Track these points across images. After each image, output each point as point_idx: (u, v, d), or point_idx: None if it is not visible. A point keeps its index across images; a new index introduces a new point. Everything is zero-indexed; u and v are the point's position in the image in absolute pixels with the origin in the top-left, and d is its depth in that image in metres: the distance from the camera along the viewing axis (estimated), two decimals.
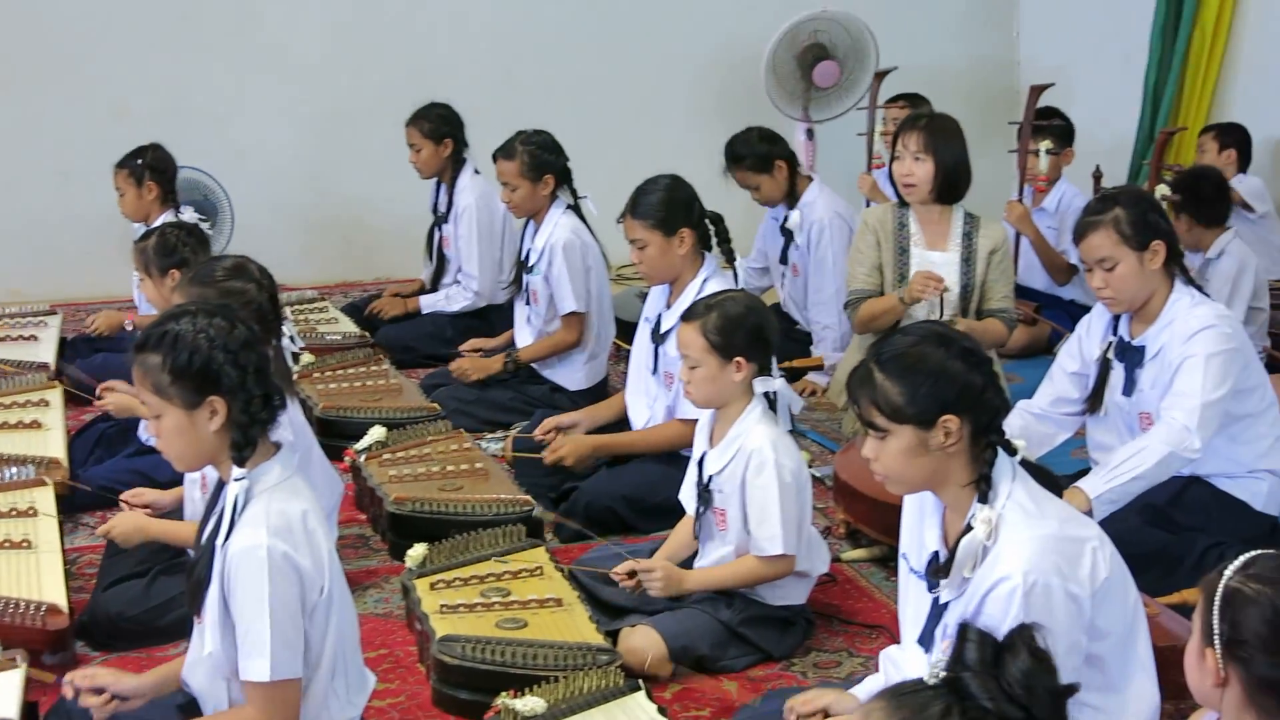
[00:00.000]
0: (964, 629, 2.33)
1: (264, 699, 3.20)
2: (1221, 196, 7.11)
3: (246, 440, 3.22)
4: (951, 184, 5.86)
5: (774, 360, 4.46)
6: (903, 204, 6.01)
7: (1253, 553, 2.62)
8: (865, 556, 5.15)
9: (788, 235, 7.29)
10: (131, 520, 4.52)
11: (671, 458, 5.34)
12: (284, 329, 4.56)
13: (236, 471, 3.23)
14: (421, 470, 5.47)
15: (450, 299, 7.77)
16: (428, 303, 7.86)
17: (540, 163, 6.50)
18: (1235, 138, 8.43)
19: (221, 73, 9.36)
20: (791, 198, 7.24)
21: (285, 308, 7.58)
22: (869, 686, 3.58)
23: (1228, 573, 2.58)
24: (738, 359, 4.33)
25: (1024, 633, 2.33)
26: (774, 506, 4.27)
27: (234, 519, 3.21)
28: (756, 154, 7.19)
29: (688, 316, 4.45)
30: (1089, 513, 4.30)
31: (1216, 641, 2.56)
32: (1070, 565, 3.15)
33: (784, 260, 7.41)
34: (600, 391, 6.51)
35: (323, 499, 4.21)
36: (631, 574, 4.39)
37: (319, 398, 6.35)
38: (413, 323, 7.80)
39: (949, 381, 3.18)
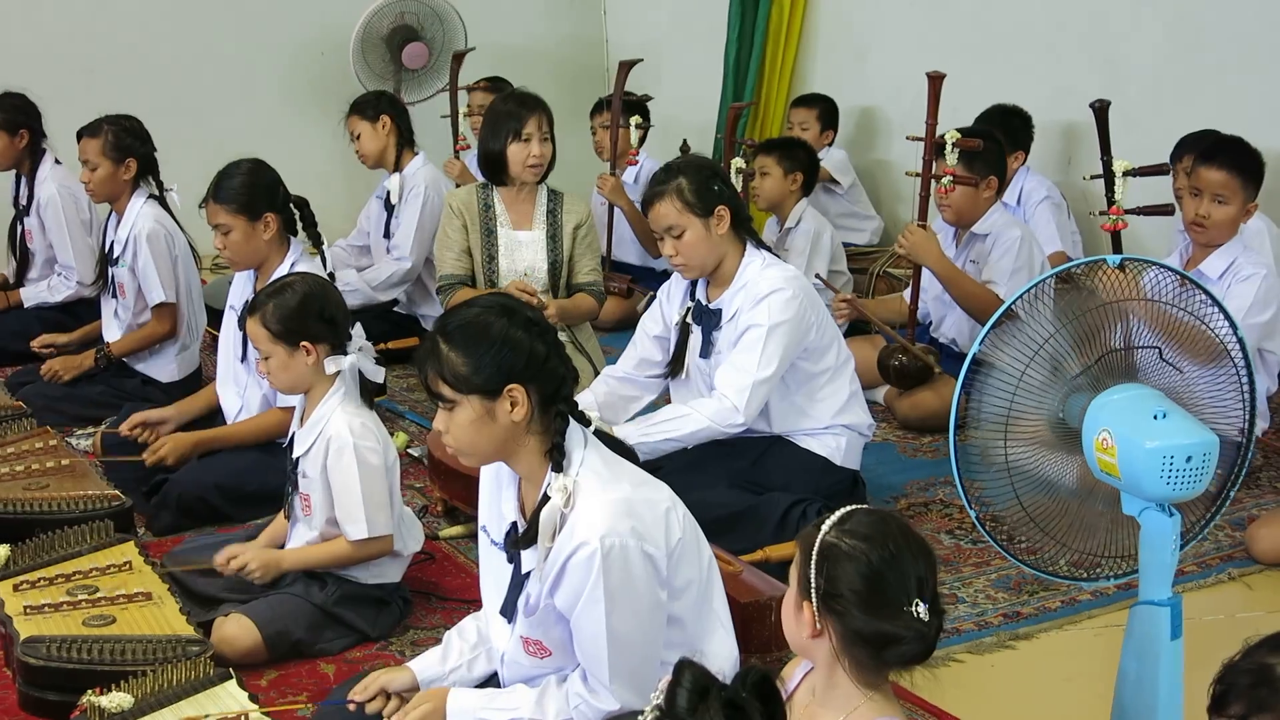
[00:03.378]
0: (679, 670, 2.21)
1: None
2: (813, 168, 7.41)
3: None
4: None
5: (351, 337, 4.43)
6: (486, 185, 6.08)
7: (849, 508, 2.71)
8: (462, 533, 5.19)
9: (390, 207, 7.36)
10: None
11: (265, 445, 5.29)
12: None
13: None
14: (4, 470, 5.30)
15: (53, 289, 7.53)
16: (30, 295, 7.61)
17: (124, 145, 6.34)
18: (833, 118, 8.71)
19: None
20: (396, 166, 7.36)
21: None
22: (426, 660, 3.62)
23: (824, 528, 2.66)
24: (304, 344, 4.33)
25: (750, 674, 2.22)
26: (356, 491, 4.28)
27: None
28: (370, 103, 7.43)
29: (251, 309, 4.43)
30: None
31: (813, 595, 2.64)
32: (645, 526, 3.20)
33: (387, 234, 7.46)
34: (194, 382, 6.41)
35: None
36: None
37: None
38: None
39: (512, 350, 3.21)
